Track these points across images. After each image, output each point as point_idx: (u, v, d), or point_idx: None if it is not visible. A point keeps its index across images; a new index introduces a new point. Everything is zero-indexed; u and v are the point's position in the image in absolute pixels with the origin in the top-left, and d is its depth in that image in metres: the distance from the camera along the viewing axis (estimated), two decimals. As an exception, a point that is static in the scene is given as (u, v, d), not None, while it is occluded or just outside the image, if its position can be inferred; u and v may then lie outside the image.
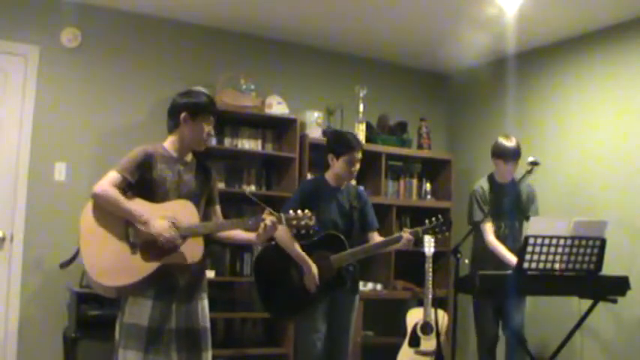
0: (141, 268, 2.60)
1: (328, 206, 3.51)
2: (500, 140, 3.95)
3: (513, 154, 3.89)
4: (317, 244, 3.43)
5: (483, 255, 3.90)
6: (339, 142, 3.58)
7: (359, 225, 3.60)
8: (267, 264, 3.54)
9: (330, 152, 3.58)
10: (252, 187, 4.79)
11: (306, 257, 3.39)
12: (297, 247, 3.39)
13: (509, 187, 3.97)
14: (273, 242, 3.43)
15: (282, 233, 3.29)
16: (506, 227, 3.93)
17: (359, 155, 3.54)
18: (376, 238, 3.63)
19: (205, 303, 2.83)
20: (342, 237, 3.45)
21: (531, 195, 4.02)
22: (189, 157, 2.88)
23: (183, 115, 2.79)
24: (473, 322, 4.08)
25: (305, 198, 3.42)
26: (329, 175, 3.61)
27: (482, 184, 4.04)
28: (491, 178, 4.05)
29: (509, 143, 3.91)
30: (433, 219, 3.52)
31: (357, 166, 3.56)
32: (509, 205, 3.94)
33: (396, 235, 3.51)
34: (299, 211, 2.87)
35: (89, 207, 2.66)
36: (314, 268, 3.37)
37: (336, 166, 3.54)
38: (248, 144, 4.78)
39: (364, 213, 3.64)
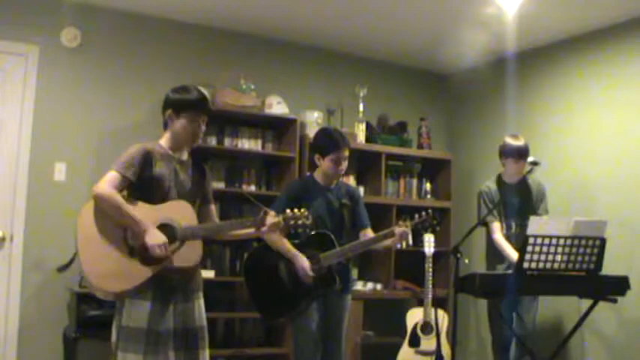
0: (140, 272, 2.58)
1: (316, 205, 3.43)
2: (508, 140, 3.98)
3: (523, 153, 3.90)
4: (306, 243, 3.39)
5: (497, 252, 3.92)
6: (324, 141, 3.49)
7: (350, 223, 3.56)
8: (256, 266, 3.49)
9: (316, 152, 3.50)
10: (252, 187, 4.78)
11: (297, 252, 3.35)
12: (286, 244, 3.36)
13: (518, 187, 3.99)
14: (258, 243, 3.39)
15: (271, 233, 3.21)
16: (517, 226, 3.94)
17: (345, 153, 3.46)
18: (369, 236, 3.57)
19: (201, 302, 2.82)
20: (332, 235, 3.40)
21: (541, 193, 4.03)
22: (185, 156, 2.85)
23: (168, 111, 2.77)
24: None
25: (291, 198, 3.40)
26: (317, 175, 3.55)
27: (490, 184, 4.07)
28: (499, 179, 4.08)
29: (518, 142, 3.95)
30: (423, 213, 3.45)
31: (345, 164, 3.49)
32: (520, 204, 3.95)
33: (386, 231, 3.45)
34: (296, 210, 2.85)
35: (87, 209, 2.61)
36: (305, 262, 3.32)
37: (324, 166, 3.47)
38: (248, 144, 4.78)
39: (355, 211, 3.59)
